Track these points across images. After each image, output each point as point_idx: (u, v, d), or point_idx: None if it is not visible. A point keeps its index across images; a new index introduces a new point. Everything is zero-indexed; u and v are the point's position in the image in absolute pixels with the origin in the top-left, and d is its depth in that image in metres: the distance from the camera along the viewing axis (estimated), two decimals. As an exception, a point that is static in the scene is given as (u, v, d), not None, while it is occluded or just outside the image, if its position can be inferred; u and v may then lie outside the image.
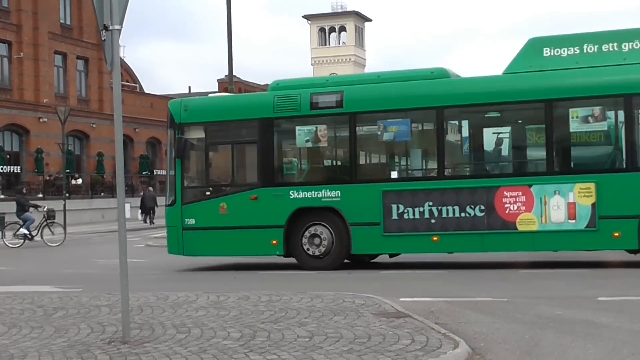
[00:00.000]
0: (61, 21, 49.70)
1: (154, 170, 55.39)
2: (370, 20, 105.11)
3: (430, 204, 14.46)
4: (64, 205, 32.65)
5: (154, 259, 17.06)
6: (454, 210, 14.34)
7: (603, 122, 13.87)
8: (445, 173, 14.74)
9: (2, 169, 42.76)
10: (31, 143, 45.73)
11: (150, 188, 45.94)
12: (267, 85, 17.90)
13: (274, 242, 15.23)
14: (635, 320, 8.65)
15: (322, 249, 15.14)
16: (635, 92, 13.69)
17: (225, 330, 8.26)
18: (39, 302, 10.80)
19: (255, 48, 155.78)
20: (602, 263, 14.68)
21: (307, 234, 15.20)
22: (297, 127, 15.36)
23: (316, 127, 15.26)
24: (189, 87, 74.21)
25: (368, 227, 14.80)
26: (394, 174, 15.18)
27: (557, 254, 14.95)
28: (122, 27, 7.81)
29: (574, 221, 13.74)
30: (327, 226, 15.13)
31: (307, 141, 15.36)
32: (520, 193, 14.01)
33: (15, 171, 44.05)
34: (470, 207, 14.25)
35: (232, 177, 16.39)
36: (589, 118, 13.81)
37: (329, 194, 15.03)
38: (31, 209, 26.19)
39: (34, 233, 25.86)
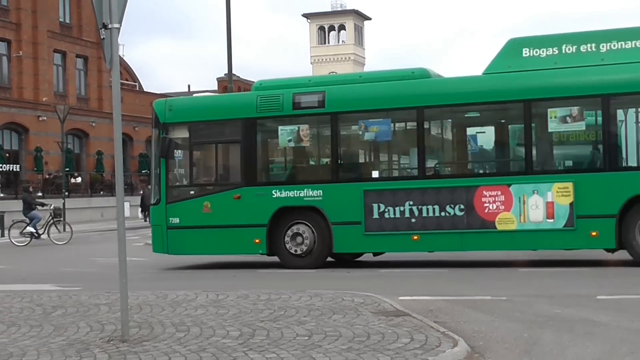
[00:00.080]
0: (60, 20, 49.70)
1: (154, 169, 55.24)
2: (370, 18, 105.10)
3: (411, 203, 14.59)
4: (64, 203, 32.65)
5: (153, 257, 17.08)
6: (434, 209, 14.48)
7: (581, 122, 14.00)
8: (426, 173, 14.85)
9: (1, 167, 42.77)
10: (30, 142, 45.75)
11: (150, 186, 45.88)
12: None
13: (257, 240, 15.38)
14: (634, 319, 8.66)
15: (304, 248, 15.27)
16: (612, 93, 13.82)
17: (224, 328, 8.27)
18: (38, 301, 10.82)
19: (254, 47, 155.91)
20: (601, 262, 14.70)
21: (289, 232, 15.34)
22: (280, 127, 15.52)
23: (298, 127, 15.41)
24: (189, 86, 74.14)
25: (349, 226, 14.94)
26: (375, 174, 15.31)
27: (557, 253, 14.98)
28: (121, 25, 7.83)
29: (552, 220, 13.87)
30: (309, 225, 15.28)
31: (289, 141, 15.52)
32: (499, 192, 14.14)
33: (14, 170, 44.03)
34: (450, 207, 14.39)
35: (215, 177, 16.56)
36: (567, 118, 13.94)
37: (311, 193, 15.16)
38: (38, 207, 26.24)
39: (40, 231, 25.90)
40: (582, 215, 13.70)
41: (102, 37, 7.85)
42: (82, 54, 50.80)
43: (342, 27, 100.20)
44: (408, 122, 15.42)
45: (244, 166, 15.68)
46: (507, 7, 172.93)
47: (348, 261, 16.46)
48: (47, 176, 44.61)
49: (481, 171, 15.26)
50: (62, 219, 26.73)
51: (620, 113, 14.17)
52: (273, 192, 15.36)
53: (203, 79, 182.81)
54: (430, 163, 15.19)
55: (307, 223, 15.27)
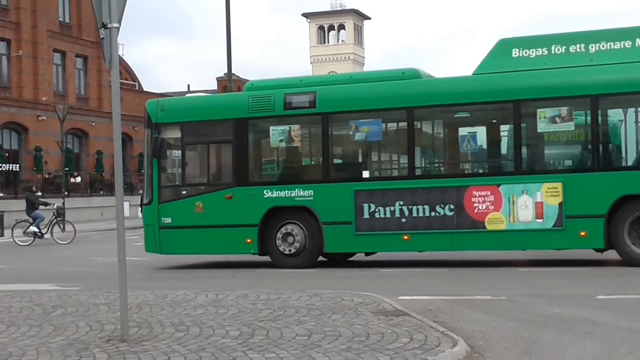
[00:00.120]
0: (60, 19, 49.72)
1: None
2: (370, 18, 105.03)
3: (401, 203, 14.65)
4: (63, 203, 32.64)
5: (152, 257, 17.10)
6: (424, 209, 14.54)
7: (570, 123, 14.04)
8: (416, 173, 14.92)
9: (1, 167, 42.76)
10: (30, 141, 45.76)
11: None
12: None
13: (249, 240, 15.45)
14: (634, 318, 8.67)
15: (296, 248, 15.35)
16: (601, 93, 13.86)
17: (223, 328, 8.27)
18: (37, 301, 10.82)
19: (254, 46, 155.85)
20: (601, 262, 14.69)
21: (280, 232, 15.42)
22: (271, 127, 15.60)
23: (290, 127, 15.48)
24: (188, 86, 74.07)
25: (340, 226, 15.00)
26: (366, 174, 15.28)
27: (557, 253, 14.98)
28: (120, 25, 7.84)
29: (541, 220, 13.93)
30: (300, 225, 15.35)
31: (280, 141, 15.60)
32: (489, 193, 14.19)
33: (14, 169, 44.02)
34: (440, 207, 14.45)
35: (207, 177, 16.65)
36: (557, 118, 13.99)
37: (302, 194, 15.23)
38: (41, 206, 26.27)
39: (43, 231, 25.91)
40: (571, 215, 13.77)
41: (101, 36, 7.86)
42: (81, 54, 50.81)
43: (341, 27, 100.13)
44: (398, 122, 15.48)
45: (236, 166, 15.76)
46: (507, 7, 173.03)
47: (340, 261, 16.53)
48: (47, 176, 44.61)
49: (471, 171, 15.36)
50: (65, 218, 26.71)
51: (609, 113, 14.26)
52: (264, 192, 15.43)
53: (203, 79, 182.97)
54: (420, 163, 15.31)
55: (298, 223, 15.35)
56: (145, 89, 63.70)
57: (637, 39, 14.01)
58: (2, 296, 11.39)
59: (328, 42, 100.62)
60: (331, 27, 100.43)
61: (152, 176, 16.15)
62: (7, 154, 44.37)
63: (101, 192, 47.85)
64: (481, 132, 14.97)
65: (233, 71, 26.75)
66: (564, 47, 14.35)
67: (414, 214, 14.55)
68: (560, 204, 13.81)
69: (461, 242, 14.45)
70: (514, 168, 14.38)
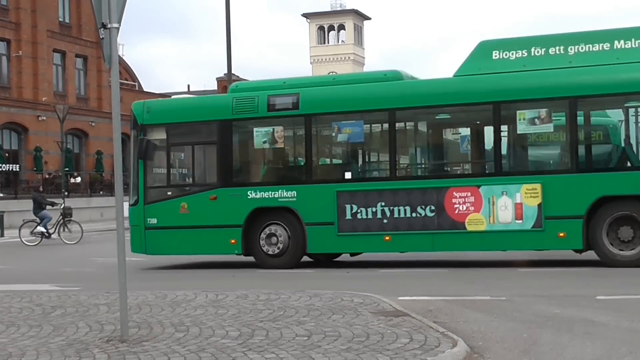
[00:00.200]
0: (60, 19, 49.76)
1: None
2: (370, 18, 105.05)
3: (383, 204, 14.75)
4: (63, 203, 32.60)
5: (152, 257, 17.09)
6: (405, 210, 14.63)
7: (549, 124, 14.11)
8: (397, 174, 15.02)
9: (1, 167, 42.77)
10: (30, 141, 45.79)
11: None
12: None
13: (233, 241, 15.57)
14: (633, 319, 8.66)
15: (279, 248, 15.44)
16: (580, 95, 13.95)
17: (223, 329, 8.27)
18: (37, 301, 10.83)
19: (254, 46, 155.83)
20: (601, 262, 14.68)
21: (264, 233, 15.54)
22: (255, 129, 15.71)
23: (273, 129, 15.58)
24: (188, 86, 74.06)
25: (323, 227, 15.12)
26: (348, 175, 15.39)
27: (557, 253, 14.97)
28: (120, 25, 7.84)
29: (520, 221, 14.01)
30: (284, 226, 15.47)
31: (264, 142, 15.71)
32: (469, 194, 14.29)
33: (14, 169, 44.03)
34: (421, 208, 14.55)
35: (192, 178, 16.79)
36: (536, 120, 14.07)
37: (285, 194, 15.34)
38: (48, 206, 26.28)
39: (51, 231, 25.93)
40: (550, 216, 13.84)
41: (101, 36, 7.88)
42: (81, 54, 50.85)
43: (341, 27, 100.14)
44: (380, 123, 15.56)
45: (220, 167, 15.90)
46: (507, 7, 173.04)
47: (324, 262, 16.59)
48: (47, 176, 44.65)
49: (451, 172, 15.48)
50: (72, 218, 26.74)
51: (587, 115, 14.34)
52: (248, 193, 15.54)
53: (203, 79, 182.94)
54: (401, 164, 15.43)
55: (281, 224, 15.47)
56: (145, 89, 63.70)
57: (615, 41, 14.11)
58: (2, 296, 11.41)
59: (328, 43, 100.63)
60: (331, 27, 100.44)
61: (138, 177, 16.25)
62: (7, 154, 44.41)
63: (101, 192, 47.83)
64: (462, 133, 15.21)
65: (233, 71, 26.78)
66: (543, 50, 14.44)
67: (396, 215, 14.66)
68: (539, 205, 13.89)
69: (442, 242, 14.55)
70: (494, 169, 14.45)
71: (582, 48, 14.25)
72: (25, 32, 46.20)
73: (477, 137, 15.24)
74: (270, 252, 15.52)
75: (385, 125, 15.23)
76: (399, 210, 14.64)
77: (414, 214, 14.54)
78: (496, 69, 14.51)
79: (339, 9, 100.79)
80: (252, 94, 15.74)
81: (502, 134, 14.46)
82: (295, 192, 15.27)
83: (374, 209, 14.76)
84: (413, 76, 15.63)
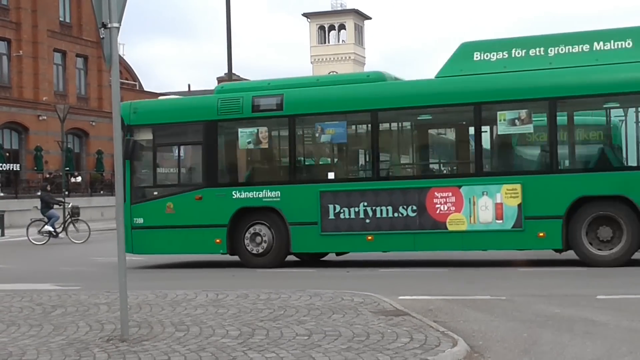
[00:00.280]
0: (60, 19, 49.81)
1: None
2: (370, 18, 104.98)
3: (365, 204, 14.89)
4: (63, 203, 32.62)
5: (152, 257, 17.12)
6: (387, 210, 14.75)
7: (529, 125, 14.25)
8: (380, 174, 15.13)
9: (1, 166, 42.80)
10: (30, 141, 45.83)
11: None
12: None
13: (218, 240, 15.72)
14: (634, 318, 8.67)
15: (263, 248, 15.60)
16: (559, 96, 14.05)
17: (224, 328, 8.28)
18: (37, 300, 10.84)
19: (254, 46, 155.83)
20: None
21: (249, 233, 15.70)
22: (240, 129, 15.84)
23: (257, 130, 15.73)
24: (189, 85, 74.07)
25: (306, 227, 15.27)
26: (331, 175, 15.51)
27: (558, 253, 14.96)
28: (120, 24, 7.85)
29: (501, 221, 14.12)
30: (268, 225, 15.62)
31: (249, 143, 15.86)
32: (450, 194, 14.41)
33: (14, 169, 44.05)
34: (403, 208, 14.68)
35: (178, 178, 16.88)
36: (516, 121, 14.18)
37: (269, 194, 15.48)
38: (55, 205, 26.31)
39: (58, 230, 25.95)
40: (530, 217, 13.95)
41: (101, 36, 7.89)
42: (82, 54, 50.91)
43: (342, 27, 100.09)
44: (363, 124, 15.69)
45: (205, 167, 16.05)
46: (508, 7, 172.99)
47: (308, 261, 16.65)
48: (47, 175, 44.64)
49: (433, 173, 15.62)
50: (80, 217, 26.78)
51: (567, 116, 14.46)
52: (233, 193, 15.68)
53: (203, 79, 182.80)
54: (383, 165, 15.52)
55: (266, 223, 15.62)
56: (145, 89, 63.73)
57: (595, 43, 14.23)
58: (2, 296, 11.42)
59: (328, 42, 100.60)
60: (332, 27, 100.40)
61: (125, 177, 16.25)
62: (7, 154, 44.47)
63: (101, 191, 47.87)
64: (443, 134, 15.39)
65: (233, 71, 26.78)
66: (524, 51, 14.55)
67: (378, 215, 14.78)
68: (519, 205, 14.00)
69: (424, 242, 14.68)
70: (475, 169, 14.57)
71: (562, 49, 14.35)
72: (26, 31, 46.25)
73: (458, 137, 15.40)
74: (254, 252, 15.68)
75: (368, 126, 15.37)
76: (381, 210, 14.77)
77: (396, 214, 14.67)
78: (477, 70, 14.62)
79: (339, 8, 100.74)
80: (237, 95, 15.90)
81: (482, 134, 14.58)
82: (279, 192, 15.41)
83: (356, 209, 14.89)
84: (397, 77, 15.79)
